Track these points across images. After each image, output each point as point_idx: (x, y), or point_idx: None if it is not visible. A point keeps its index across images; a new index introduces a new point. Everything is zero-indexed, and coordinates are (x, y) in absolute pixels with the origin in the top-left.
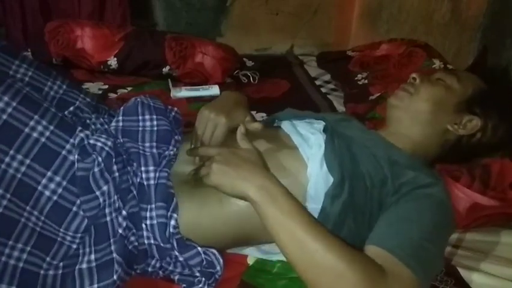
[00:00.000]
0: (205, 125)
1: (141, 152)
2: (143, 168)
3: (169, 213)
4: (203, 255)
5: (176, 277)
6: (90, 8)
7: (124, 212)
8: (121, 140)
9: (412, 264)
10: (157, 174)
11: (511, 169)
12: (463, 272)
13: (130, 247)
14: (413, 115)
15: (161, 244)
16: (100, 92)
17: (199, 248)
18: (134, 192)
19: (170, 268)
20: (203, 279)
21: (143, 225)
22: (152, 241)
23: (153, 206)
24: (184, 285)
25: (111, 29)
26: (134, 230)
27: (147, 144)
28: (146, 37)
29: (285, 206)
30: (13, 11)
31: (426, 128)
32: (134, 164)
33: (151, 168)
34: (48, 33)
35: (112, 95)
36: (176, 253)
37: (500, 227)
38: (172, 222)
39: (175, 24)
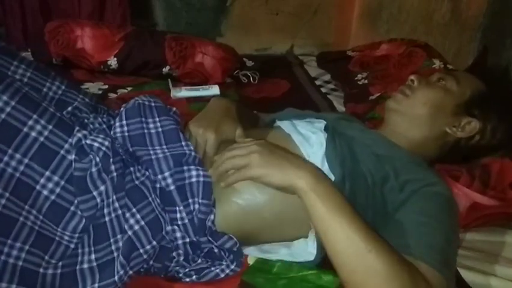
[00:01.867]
0: (195, 142)
1: (153, 157)
2: (159, 176)
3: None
4: (234, 239)
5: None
6: (90, 8)
7: (142, 222)
8: (131, 150)
9: (443, 270)
10: (185, 175)
11: (511, 169)
12: (463, 272)
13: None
14: (411, 118)
15: (200, 239)
16: (100, 92)
17: (229, 235)
18: (150, 198)
19: (194, 264)
20: (231, 263)
21: (175, 227)
22: (187, 240)
23: (196, 199)
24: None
25: (111, 29)
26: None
27: (157, 147)
28: (146, 37)
29: (337, 203)
30: (13, 11)
31: (425, 131)
32: (150, 170)
33: (167, 173)
34: (48, 33)
35: (112, 95)
36: (214, 244)
37: (501, 226)
38: (211, 217)
39: (175, 24)
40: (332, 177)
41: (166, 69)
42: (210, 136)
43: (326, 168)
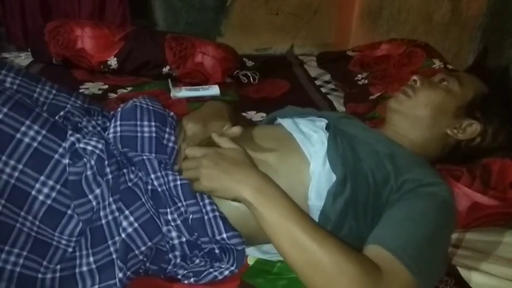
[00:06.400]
0: (182, 136)
1: (144, 157)
2: (153, 176)
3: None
4: (242, 239)
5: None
6: (90, 8)
7: (135, 225)
8: (121, 150)
9: (410, 264)
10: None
11: (511, 168)
12: (463, 272)
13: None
14: (413, 119)
15: (201, 239)
16: (100, 92)
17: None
18: (143, 199)
19: (195, 263)
20: (230, 266)
21: (170, 227)
22: (183, 239)
23: (182, 203)
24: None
25: (111, 29)
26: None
27: (146, 152)
28: (146, 37)
29: (281, 207)
30: (13, 10)
31: (426, 132)
32: (142, 172)
33: (153, 176)
34: (48, 33)
35: (112, 95)
36: (224, 235)
37: (502, 227)
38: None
39: (175, 24)
40: (334, 177)
41: (166, 69)
42: (197, 130)
43: (327, 167)
